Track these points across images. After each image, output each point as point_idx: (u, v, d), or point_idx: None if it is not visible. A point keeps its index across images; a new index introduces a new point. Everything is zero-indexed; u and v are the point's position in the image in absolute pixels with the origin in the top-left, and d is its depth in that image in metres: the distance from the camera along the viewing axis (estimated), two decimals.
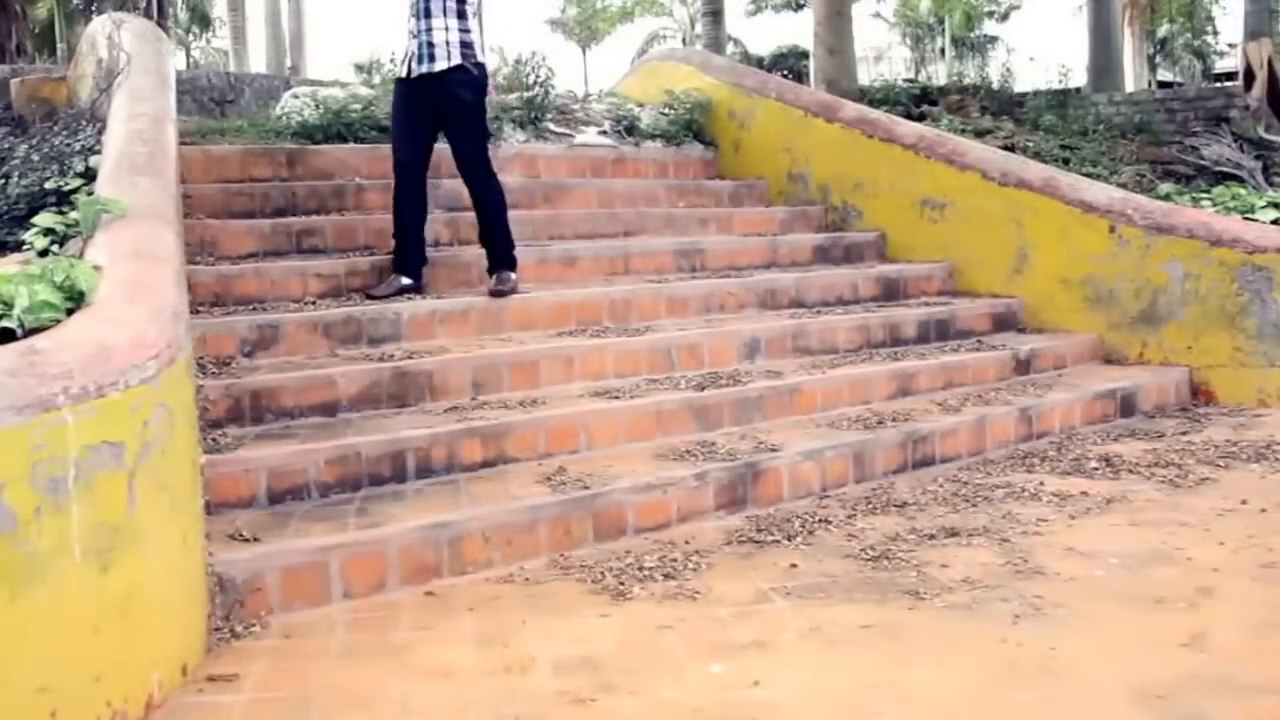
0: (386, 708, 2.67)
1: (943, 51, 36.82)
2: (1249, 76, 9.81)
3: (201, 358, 4.35)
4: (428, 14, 5.30)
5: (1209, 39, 35.39)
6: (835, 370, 5.27)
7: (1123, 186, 7.28)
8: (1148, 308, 6.06)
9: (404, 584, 3.46)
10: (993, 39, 36.40)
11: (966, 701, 2.61)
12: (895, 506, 4.23)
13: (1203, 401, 5.88)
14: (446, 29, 5.32)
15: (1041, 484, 4.47)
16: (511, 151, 7.21)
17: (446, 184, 6.56)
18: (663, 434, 4.57)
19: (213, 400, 4.08)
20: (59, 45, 24.83)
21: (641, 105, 8.54)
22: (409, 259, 5.41)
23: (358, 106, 7.09)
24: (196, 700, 2.72)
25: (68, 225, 3.85)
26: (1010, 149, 8.09)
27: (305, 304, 5.10)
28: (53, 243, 3.80)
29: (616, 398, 4.65)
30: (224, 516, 3.57)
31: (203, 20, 35.35)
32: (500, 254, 5.43)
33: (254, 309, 4.94)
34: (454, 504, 3.74)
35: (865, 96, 10.24)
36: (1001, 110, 10.25)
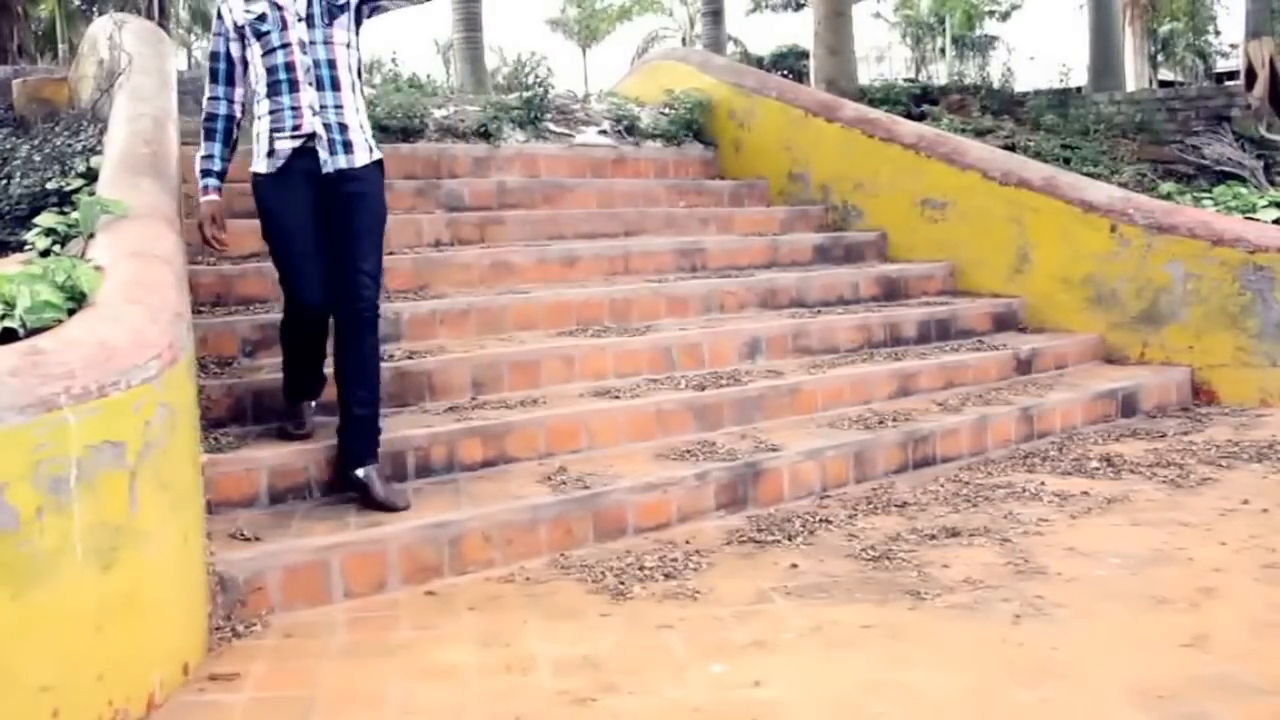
0: (387, 707, 2.67)
1: (943, 51, 36.82)
2: (1250, 76, 9.81)
3: (203, 358, 4.35)
4: (333, 84, 3.75)
5: (1210, 38, 35.37)
6: (836, 370, 5.27)
7: (1124, 186, 7.28)
8: (1149, 307, 6.06)
9: (405, 583, 3.47)
10: (993, 39, 36.41)
11: (968, 701, 2.61)
12: (896, 506, 4.23)
13: (1204, 401, 5.88)
14: (358, 109, 3.85)
15: (1042, 484, 4.47)
16: (511, 151, 7.21)
17: (447, 184, 6.59)
18: (663, 434, 4.57)
19: (214, 400, 4.08)
20: (60, 46, 24.84)
21: (641, 105, 8.55)
22: (307, 384, 4.04)
23: None
24: (198, 699, 2.72)
25: (69, 225, 3.85)
26: (1011, 148, 8.10)
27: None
28: (54, 243, 3.80)
29: (617, 397, 4.65)
30: (225, 516, 3.58)
31: (204, 20, 35.35)
32: (373, 440, 3.82)
33: (255, 309, 4.94)
34: (454, 504, 3.74)
35: (865, 96, 10.24)
36: (1002, 110, 10.25)
